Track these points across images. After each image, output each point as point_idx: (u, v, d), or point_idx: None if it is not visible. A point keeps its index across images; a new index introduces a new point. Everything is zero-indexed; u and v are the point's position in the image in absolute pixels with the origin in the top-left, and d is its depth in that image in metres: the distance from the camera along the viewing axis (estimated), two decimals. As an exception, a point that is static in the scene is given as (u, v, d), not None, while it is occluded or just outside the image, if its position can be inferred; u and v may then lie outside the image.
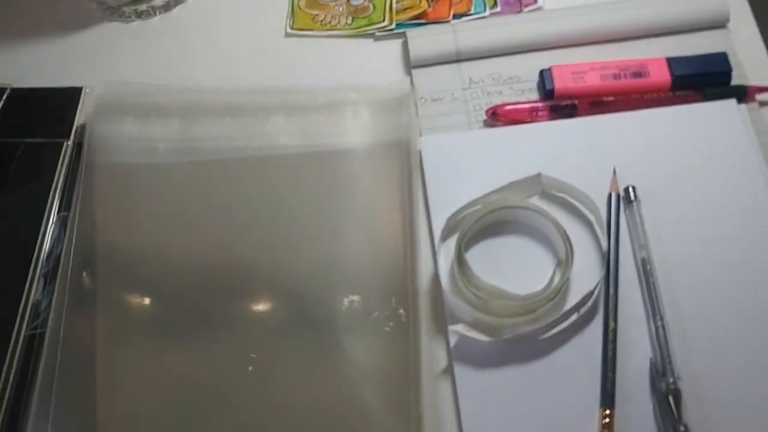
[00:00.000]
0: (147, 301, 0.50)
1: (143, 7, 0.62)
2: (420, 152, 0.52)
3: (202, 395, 0.46)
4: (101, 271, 0.50)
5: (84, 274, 0.50)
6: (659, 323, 0.45)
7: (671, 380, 0.43)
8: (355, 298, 0.48)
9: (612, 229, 0.48)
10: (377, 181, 0.52)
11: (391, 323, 0.47)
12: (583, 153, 0.51)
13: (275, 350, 0.47)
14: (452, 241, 0.48)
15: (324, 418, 0.45)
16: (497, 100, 0.54)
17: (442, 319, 0.47)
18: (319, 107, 0.55)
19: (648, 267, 0.47)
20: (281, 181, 0.53)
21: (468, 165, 0.52)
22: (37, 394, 0.47)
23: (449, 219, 0.49)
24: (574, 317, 0.46)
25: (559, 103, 0.53)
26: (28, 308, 0.50)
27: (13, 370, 0.48)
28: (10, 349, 0.48)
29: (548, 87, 0.54)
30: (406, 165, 0.52)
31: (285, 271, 0.50)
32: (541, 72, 0.54)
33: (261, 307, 0.49)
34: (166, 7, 0.63)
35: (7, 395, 0.47)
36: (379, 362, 0.46)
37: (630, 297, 0.47)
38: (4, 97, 0.57)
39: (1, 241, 0.52)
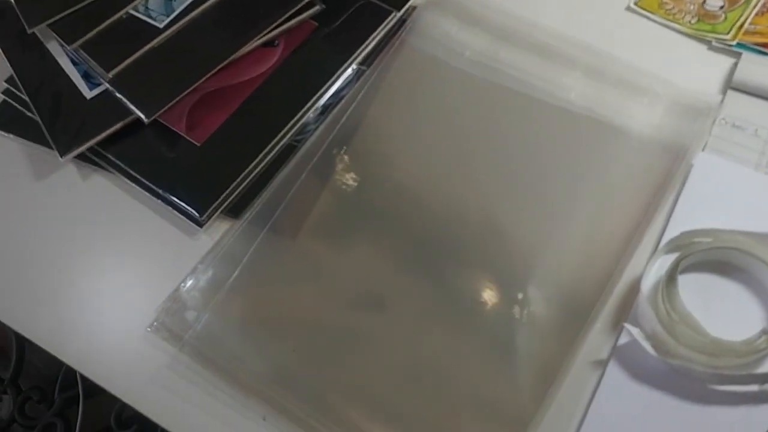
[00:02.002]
0: (366, 197, 0.54)
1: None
2: (692, 165, 0.51)
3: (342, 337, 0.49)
4: (355, 141, 0.56)
5: (346, 125, 0.57)
6: (842, 446, 0.41)
7: (820, 504, 0.39)
8: (554, 278, 0.49)
9: None
10: (637, 172, 0.51)
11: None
12: None
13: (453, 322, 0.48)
14: (673, 257, 0.47)
15: (467, 375, 0.47)
16: (800, 158, 0.51)
17: (622, 318, 0.47)
18: (620, 81, 0.55)
19: None
20: (553, 133, 0.54)
21: (732, 199, 0.49)
22: (268, 197, 0.54)
23: (684, 234, 0.47)
24: (754, 387, 0.43)
25: None
26: (298, 124, 0.57)
27: (265, 160, 0.56)
28: (270, 145, 0.56)
29: None
30: (672, 170, 0.50)
31: (506, 225, 0.51)
32: None
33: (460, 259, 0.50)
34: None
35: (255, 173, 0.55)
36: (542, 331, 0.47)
37: (825, 404, 0.42)
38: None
39: (308, 65, 0.60)
